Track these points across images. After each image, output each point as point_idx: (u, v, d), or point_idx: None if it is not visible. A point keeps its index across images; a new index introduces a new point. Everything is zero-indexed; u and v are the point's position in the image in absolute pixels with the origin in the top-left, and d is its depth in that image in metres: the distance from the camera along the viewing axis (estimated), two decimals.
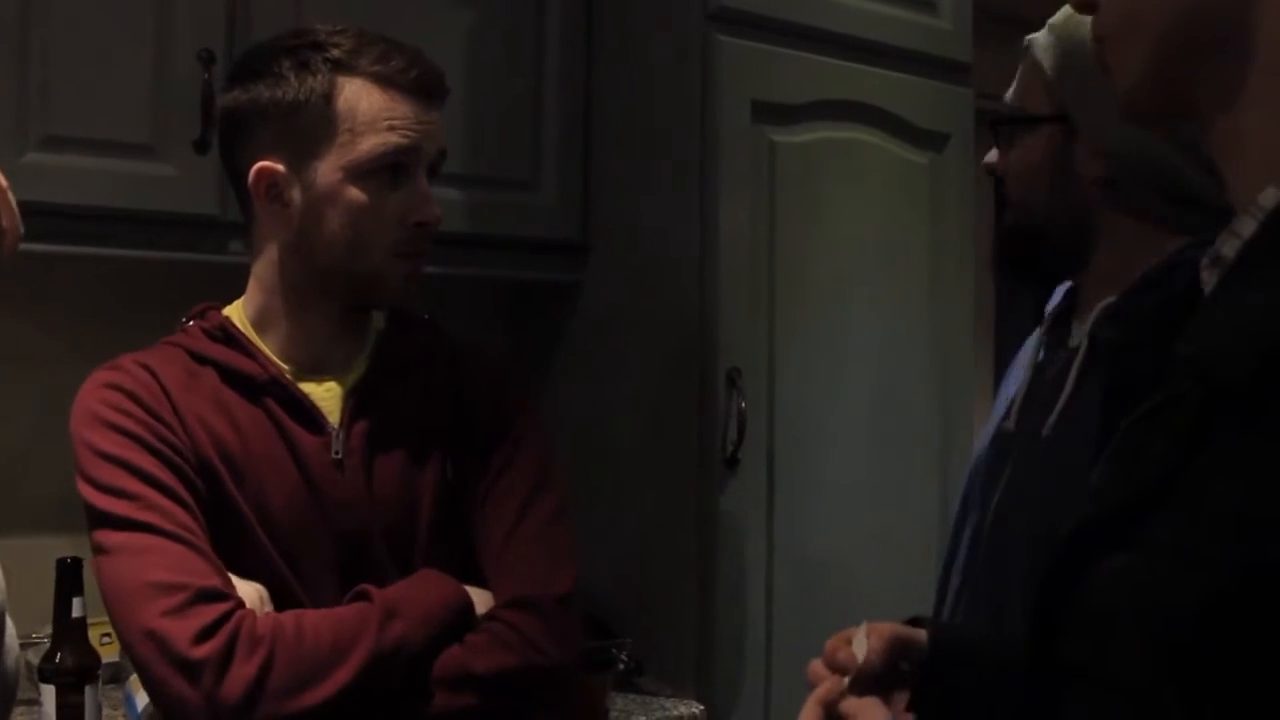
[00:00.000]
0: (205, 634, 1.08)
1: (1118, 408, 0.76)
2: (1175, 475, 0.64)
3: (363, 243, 1.21)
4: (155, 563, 1.10)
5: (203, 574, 1.11)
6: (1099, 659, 0.66)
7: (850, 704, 0.89)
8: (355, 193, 1.21)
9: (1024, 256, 1.27)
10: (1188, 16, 0.70)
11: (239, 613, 1.10)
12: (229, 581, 1.13)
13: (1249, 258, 0.67)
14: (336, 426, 1.23)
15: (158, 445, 1.16)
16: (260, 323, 1.27)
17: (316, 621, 1.12)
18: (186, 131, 1.69)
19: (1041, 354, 1.28)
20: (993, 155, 1.29)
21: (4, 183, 0.69)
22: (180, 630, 1.08)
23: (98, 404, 1.18)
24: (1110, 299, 1.19)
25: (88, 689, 1.45)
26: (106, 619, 1.43)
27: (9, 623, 0.80)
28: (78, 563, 1.52)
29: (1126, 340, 0.80)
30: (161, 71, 1.69)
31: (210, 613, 1.08)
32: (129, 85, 1.67)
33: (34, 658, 1.56)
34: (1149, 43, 0.72)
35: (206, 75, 1.69)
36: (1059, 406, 1.18)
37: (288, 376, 1.24)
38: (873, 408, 2.09)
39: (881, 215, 2.13)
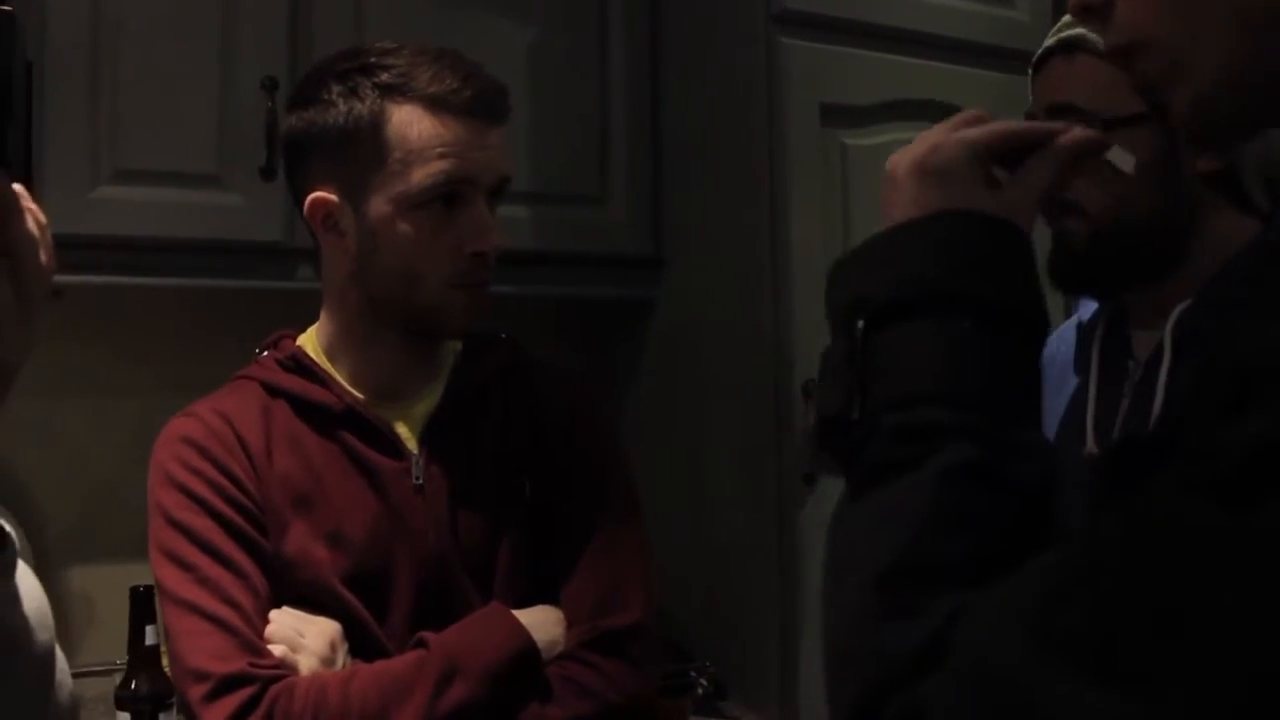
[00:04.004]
0: None
1: None
2: None
3: (417, 276, 1.17)
4: (193, 647, 1.10)
5: (228, 659, 1.09)
6: None
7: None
8: (407, 226, 1.16)
9: (1113, 266, 1.15)
10: None
11: (272, 690, 1.08)
12: (262, 656, 1.10)
13: None
14: (415, 453, 1.21)
15: (222, 508, 1.15)
16: (332, 350, 1.25)
17: (365, 682, 1.09)
18: (252, 160, 1.70)
19: (1095, 369, 1.19)
20: None
21: (44, 220, 0.68)
22: (211, 717, 1.07)
23: (171, 460, 1.17)
24: (1186, 301, 1.12)
25: (161, 716, 1.45)
26: None
27: (60, 655, 0.79)
28: (150, 591, 1.52)
29: None
30: (226, 101, 1.70)
31: (232, 701, 1.07)
32: (195, 116, 1.69)
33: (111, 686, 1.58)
34: (1221, 24, 0.59)
35: (270, 102, 1.70)
36: (1155, 419, 1.10)
37: (364, 404, 1.22)
38: None
39: None
